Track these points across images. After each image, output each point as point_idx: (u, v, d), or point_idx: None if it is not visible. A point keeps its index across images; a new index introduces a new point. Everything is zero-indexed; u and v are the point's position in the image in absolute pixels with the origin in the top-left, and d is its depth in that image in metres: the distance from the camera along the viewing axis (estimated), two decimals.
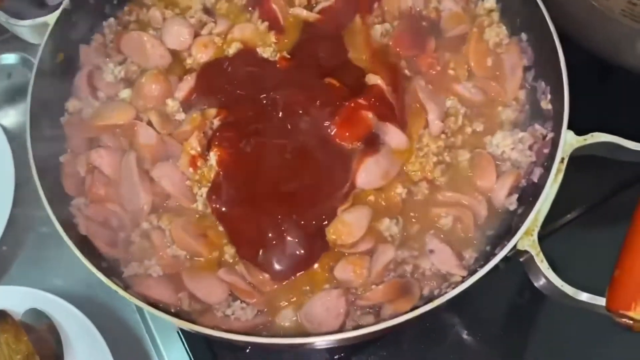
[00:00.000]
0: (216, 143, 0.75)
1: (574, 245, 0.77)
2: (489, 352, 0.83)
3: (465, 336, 0.84)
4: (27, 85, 0.99)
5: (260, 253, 0.70)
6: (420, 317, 0.63)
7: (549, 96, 0.75)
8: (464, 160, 0.76)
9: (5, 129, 0.98)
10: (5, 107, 1.05)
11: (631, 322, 0.57)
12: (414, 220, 0.73)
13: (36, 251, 0.94)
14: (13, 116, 1.04)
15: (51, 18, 0.79)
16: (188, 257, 0.72)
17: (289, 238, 0.69)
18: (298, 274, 0.70)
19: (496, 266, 0.68)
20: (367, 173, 0.72)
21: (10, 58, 1.06)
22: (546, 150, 0.71)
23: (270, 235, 0.70)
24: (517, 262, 0.68)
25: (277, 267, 0.69)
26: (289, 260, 0.69)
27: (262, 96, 0.78)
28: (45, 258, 0.93)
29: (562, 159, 0.67)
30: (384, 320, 0.64)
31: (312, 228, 0.70)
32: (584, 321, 0.75)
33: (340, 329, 0.67)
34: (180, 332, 0.82)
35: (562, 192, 0.68)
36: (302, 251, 0.69)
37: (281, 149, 0.74)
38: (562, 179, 0.67)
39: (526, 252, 0.64)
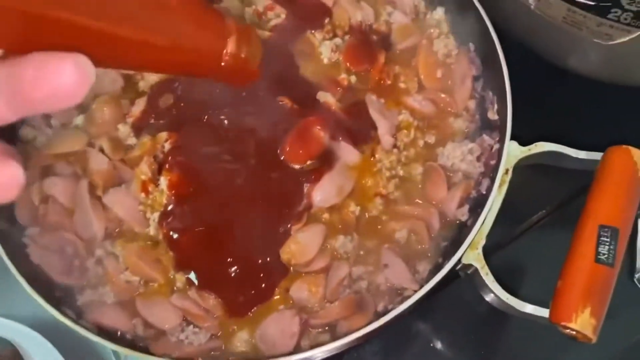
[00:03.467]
0: (166, 167, 0.75)
1: (524, 256, 0.77)
2: (458, 358, 0.84)
3: (433, 344, 0.84)
4: None
5: (219, 293, 0.70)
6: (379, 330, 0.63)
7: (495, 106, 0.76)
8: (417, 174, 0.76)
9: None
10: None
11: (574, 332, 0.58)
12: (369, 235, 0.73)
13: (1, 278, 0.94)
14: None
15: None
16: (142, 282, 0.72)
17: (245, 271, 0.70)
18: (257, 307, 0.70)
19: (456, 274, 0.69)
20: (323, 190, 0.72)
21: None
22: (493, 162, 0.72)
23: (224, 267, 0.70)
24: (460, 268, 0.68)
25: (234, 302, 0.69)
26: (246, 295, 0.69)
27: (213, 117, 0.79)
28: (11, 285, 0.93)
29: (507, 170, 0.67)
30: (339, 337, 0.64)
31: (269, 257, 0.70)
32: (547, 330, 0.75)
33: (296, 350, 0.67)
34: None
35: (512, 202, 0.68)
36: (261, 284, 0.69)
37: (233, 172, 0.74)
38: (510, 190, 0.68)
39: (472, 265, 0.64)
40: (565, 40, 0.74)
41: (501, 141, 0.71)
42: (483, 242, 0.64)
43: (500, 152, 0.70)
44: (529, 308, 0.61)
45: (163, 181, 0.74)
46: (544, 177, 0.75)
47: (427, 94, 0.81)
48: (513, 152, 0.68)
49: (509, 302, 0.61)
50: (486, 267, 0.63)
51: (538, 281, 0.67)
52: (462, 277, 0.66)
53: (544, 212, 0.80)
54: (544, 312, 0.60)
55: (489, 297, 0.64)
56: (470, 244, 0.64)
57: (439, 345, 0.84)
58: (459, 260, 0.64)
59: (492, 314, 0.82)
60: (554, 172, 0.73)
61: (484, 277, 0.63)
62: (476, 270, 0.64)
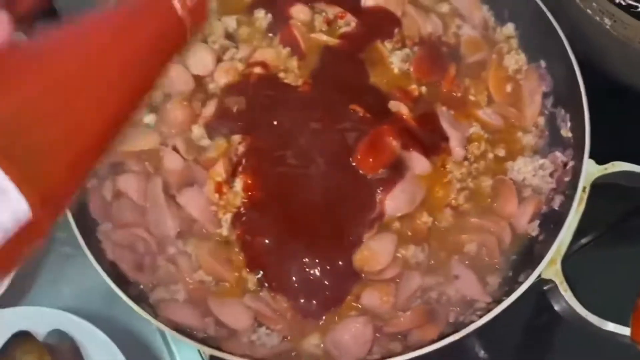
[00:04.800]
0: (241, 170, 0.76)
1: (594, 268, 0.77)
2: None
3: (483, 356, 0.85)
4: None
5: (290, 296, 0.71)
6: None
7: (568, 124, 0.76)
8: (487, 186, 0.77)
9: None
10: None
11: None
12: (439, 246, 0.74)
13: (57, 271, 0.94)
14: None
15: None
16: (214, 282, 0.73)
17: (319, 277, 0.71)
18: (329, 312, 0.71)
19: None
20: (395, 200, 0.73)
21: None
22: (567, 179, 0.73)
23: (295, 270, 0.71)
24: (535, 284, 0.69)
25: (308, 307, 0.70)
26: (320, 300, 0.70)
27: (285, 122, 0.80)
28: (66, 278, 0.93)
29: (584, 188, 0.68)
30: (412, 348, 0.65)
31: (341, 261, 0.71)
32: (602, 344, 0.76)
33: (367, 356, 0.68)
34: (201, 354, 0.83)
35: (583, 214, 0.69)
36: (332, 291, 0.70)
37: (306, 177, 0.75)
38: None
39: (550, 280, 0.65)
40: (639, 60, 0.75)
41: (576, 159, 0.72)
42: (561, 258, 0.65)
43: (575, 170, 0.71)
44: (610, 326, 0.61)
45: (238, 183, 0.75)
46: (614, 190, 0.75)
47: (497, 108, 0.82)
48: (590, 170, 0.69)
49: (588, 318, 0.62)
50: (565, 283, 0.64)
51: (610, 294, 0.67)
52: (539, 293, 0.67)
53: (612, 225, 0.81)
54: (625, 330, 0.61)
55: (565, 313, 0.65)
56: (549, 260, 0.65)
57: (486, 356, 0.84)
58: (538, 276, 0.65)
59: (550, 327, 0.83)
60: (621, 188, 0.73)
61: (563, 293, 0.64)
62: (554, 285, 0.64)
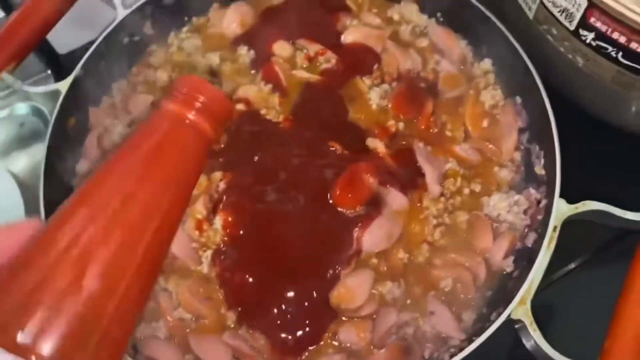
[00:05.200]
0: (222, 207, 0.77)
1: (565, 305, 0.78)
2: None
3: None
4: (38, 134, 1.05)
5: (268, 333, 0.72)
6: None
7: (542, 161, 0.78)
8: (463, 221, 0.78)
9: (15, 176, 1.01)
10: (17, 154, 1.08)
11: None
12: (415, 282, 0.75)
13: None
14: (24, 163, 1.06)
15: (63, 85, 0.82)
16: (194, 319, 0.74)
17: (296, 315, 0.72)
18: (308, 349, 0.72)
19: None
20: (372, 236, 0.74)
21: (22, 108, 1.06)
22: (540, 217, 0.74)
23: (274, 308, 0.72)
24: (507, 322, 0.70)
25: (286, 345, 0.71)
26: (298, 338, 0.71)
27: (266, 158, 0.81)
28: None
29: (555, 228, 0.69)
30: None
31: (318, 299, 0.72)
32: None
33: None
34: None
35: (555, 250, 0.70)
36: (310, 328, 0.71)
37: (285, 214, 0.77)
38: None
39: (520, 320, 0.66)
40: (614, 99, 0.76)
41: (549, 197, 0.73)
42: (531, 297, 0.66)
43: (548, 208, 0.72)
44: None
45: (218, 221, 0.77)
46: (583, 227, 0.76)
47: (474, 143, 0.83)
48: (561, 210, 0.70)
49: (557, 359, 0.63)
50: (534, 324, 0.65)
51: (580, 336, 0.68)
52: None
53: (581, 260, 0.82)
54: None
55: (536, 352, 0.65)
56: (519, 300, 0.66)
57: None
58: (508, 316, 0.66)
59: None
60: (593, 224, 0.74)
61: (532, 333, 0.64)
62: (524, 324, 0.65)
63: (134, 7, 0.87)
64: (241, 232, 0.76)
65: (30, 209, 0.91)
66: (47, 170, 0.77)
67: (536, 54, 0.81)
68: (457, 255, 0.76)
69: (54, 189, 0.78)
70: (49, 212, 0.75)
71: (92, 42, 0.97)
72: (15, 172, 1.04)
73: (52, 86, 0.82)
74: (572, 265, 0.81)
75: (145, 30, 0.90)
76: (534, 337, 0.64)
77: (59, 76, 1.02)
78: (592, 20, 0.71)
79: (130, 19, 0.87)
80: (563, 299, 0.77)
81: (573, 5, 0.72)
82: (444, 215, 0.78)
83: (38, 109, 1.06)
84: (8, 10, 1.00)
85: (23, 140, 1.08)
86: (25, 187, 0.98)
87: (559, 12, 0.75)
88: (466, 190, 0.80)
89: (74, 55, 1.00)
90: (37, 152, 1.05)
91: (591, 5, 0.70)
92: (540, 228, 0.72)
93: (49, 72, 1.05)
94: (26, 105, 1.08)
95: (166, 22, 0.92)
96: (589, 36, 0.73)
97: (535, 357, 0.73)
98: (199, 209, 0.77)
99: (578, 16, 0.72)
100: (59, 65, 1.03)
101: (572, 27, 0.74)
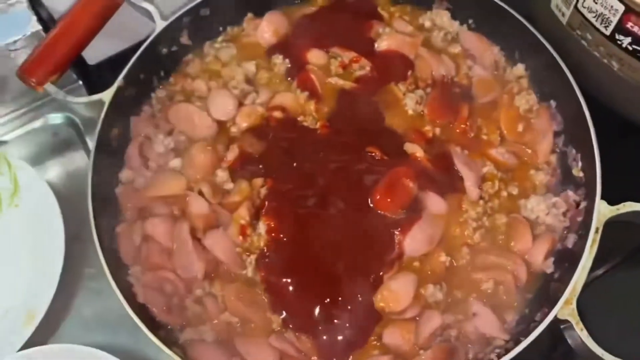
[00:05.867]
0: (264, 213, 0.79)
1: (608, 303, 0.79)
2: None
3: None
4: (71, 143, 1.07)
5: (314, 337, 0.73)
6: None
7: (580, 164, 0.79)
8: (502, 224, 0.79)
9: (50, 184, 1.03)
10: (50, 163, 1.09)
11: None
12: (457, 285, 0.76)
13: (85, 309, 0.97)
14: (58, 171, 1.07)
15: (106, 95, 0.84)
16: (240, 323, 0.76)
17: (341, 318, 0.73)
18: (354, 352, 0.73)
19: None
20: (414, 240, 0.76)
21: (56, 118, 1.09)
22: (580, 218, 0.75)
23: (319, 311, 0.73)
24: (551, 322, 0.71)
25: (332, 349, 0.73)
26: (344, 341, 0.72)
27: (305, 164, 0.83)
28: (94, 315, 0.96)
29: (597, 229, 0.70)
30: None
31: (363, 302, 0.74)
32: None
33: None
34: None
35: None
36: (356, 331, 0.73)
37: (327, 219, 0.78)
38: None
39: (566, 320, 0.67)
40: None
41: (588, 199, 0.74)
42: (576, 297, 0.67)
43: (588, 210, 0.73)
44: None
45: (262, 226, 0.78)
46: (624, 228, 0.77)
47: (510, 147, 0.84)
48: (602, 211, 0.71)
49: (605, 357, 0.64)
50: (581, 324, 0.66)
51: (625, 333, 0.69)
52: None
53: (620, 259, 0.83)
54: None
55: (581, 352, 0.66)
56: (565, 300, 0.67)
57: None
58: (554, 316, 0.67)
59: None
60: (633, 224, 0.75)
61: (579, 332, 0.65)
62: (570, 325, 0.66)
63: (172, 18, 0.89)
64: (284, 236, 0.78)
65: (67, 215, 0.93)
66: (93, 178, 0.79)
67: (569, 59, 0.82)
68: (497, 257, 0.77)
69: (98, 197, 0.80)
70: (97, 217, 0.77)
71: (121, 53, 1.01)
72: (50, 180, 1.05)
73: (96, 96, 0.84)
74: (612, 265, 0.81)
75: (182, 41, 0.92)
76: (581, 336, 0.65)
77: (90, 86, 1.04)
78: (628, 24, 0.72)
79: (169, 30, 0.89)
80: (604, 298, 0.78)
81: (609, 10, 0.73)
82: (483, 218, 0.79)
83: (71, 119, 1.09)
84: (44, 24, 1.02)
85: (57, 150, 1.09)
86: (59, 194, 0.99)
87: (594, 17, 0.76)
88: (504, 193, 0.81)
89: (103, 66, 1.03)
90: (71, 161, 1.08)
91: (628, 10, 0.71)
92: (581, 230, 0.73)
93: (80, 82, 1.06)
94: (60, 116, 1.10)
95: (202, 33, 0.94)
96: (625, 40, 0.74)
97: (574, 358, 0.75)
98: (243, 214, 0.79)
99: (614, 21, 0.73)
100: (88, 75, 1.05)
101: (607, 32, 0.75)
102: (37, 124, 1.08)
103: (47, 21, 1.03)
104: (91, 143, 1.01)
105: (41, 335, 0.88)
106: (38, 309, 0.87)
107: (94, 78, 1.04)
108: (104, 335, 0.93)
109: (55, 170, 1.08)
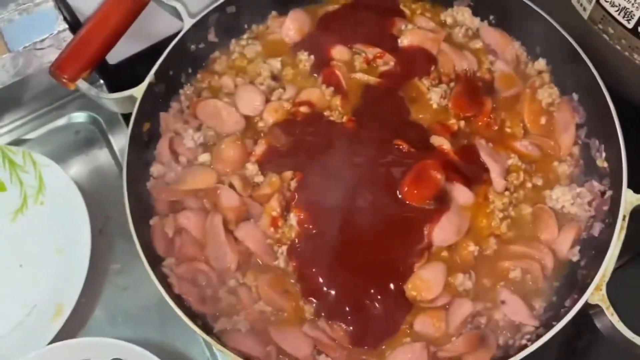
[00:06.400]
0: (294, 205, 0.81)
1: (636, 288, 0.81)
2: None
3: None
4: (93, 141, 1.08)
5: (346, 325, 0.75)
6: None
7: (603, 154, 0.81)
8: (527, 214, 0.81)
9: (73, 181, 1.04)
10: (73, 161, 1.10)
11: None
12: (485, 274, 0.78)
13: (112, 303, 0.98)
14: (80, 169, 1.08)
15: (137, 91, 0.85)
16: (273, 312, 0.77)
17: (373, 307, 0.75)
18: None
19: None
20: (442, 230, 0.78)
21: (80, 117, 1.10)
22: (605, 207, 0.77)
23: (351, 299, 0.75)
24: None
25: (365, 337, 0.74)
26: (376, 329, 0.74)
27: (333, 158, 0.84)
28: (120, 309, 0.98)
29: (624, 217, 0.72)
30: None
31: (394, 291, 0.75)
32: None
33: None
34: None
35: None
36: (388, 319, 0.74)
37: (356, 210, 0.80)
38: None
39: (597, 305, 0.69)
40: None
41: (614, 188, 0.76)
42: (605, 283, 0.69)
43: (613, 199, 0.75)
44: None
45: (293, 217, 0.80)
46: None
47: (533, 139, 0.86)
48: (629, 199, 0.73)
49: (636, 341, 0.66)
50: (612, 308, 0.68)
51: None
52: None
53: None
54: None
55: (611, 336, 0.68)
56: (595, 286, 0.69)
57: None
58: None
59: (591, 349, 0.86)
60: None
61: (610, 317, 0.67)
62: (601, 309, 0.68)
63: (200, 16, 0.90)
64: (315, 227, 0.80)
65: (91, 212, 0.95)
66: (128, 172, 0.80)
67: (589, 53, 0.84)
68: (524, 247, 0.79)
69: (131, 191, 0.81)
70: (133, 208, 0.78)
71: (139, 54, 1.02)
72: (73, 177, 1.06)
73: (128, 92, 0.85)
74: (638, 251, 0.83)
75: (209, 38, 0.94)
76: (612, 321, 0.67)
77: (111, 85, 1.06)
78: None
79: (197, 27, 0.91)
80: (632, 283, 0.80)
81: (633, 4, 0.75)
82: (509, 208, 0.81)
83: (94, 117, 1.11)
84: (69, 23, 1.04)
85: (79, 147, 1.10)
86: (83, 191, 1.00)
87: (616, 11, 0.78)
88: (529, 184, 0.83)
89: (122, 66, 1.04)
90: (94, 159, 1.09)
91: None
92: (608, 218, 0.75)
93: (101, 81, 1.08)
94: (83, 114, 1.11)
95: (228, 30, 0.95)
96: None
97: (595, 345, 0.76)
98: (274, 206, 0.80)
99: (638, 15, 0.75)
100: (109, 74, 1.06)
101: (630, 26, 0.77)
102: (61, 122, 1.10)
103: (71, 21, 1.05)
104: (114, 141, 1.06)
105: (70, 329, 0.90)
106: (67, 303, 0.89)
107: (114, 77, 1.06)
108: (132, 329, 0.95)
109: (78, 167, 1.08)
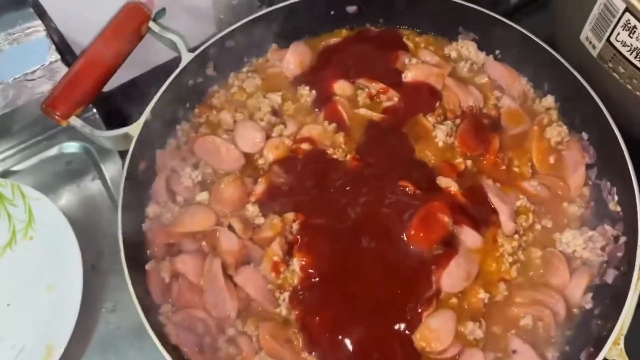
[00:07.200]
0: (297, 249, 0.78)
1: None
2: None
3: None
4: (84, 172, 1.05)
5: None
6: None
7: (615, 197, 0.79)
8: (537, 257, 0.78)
9: (63, 213, 1.00)
10: (63, 192, 1.06)
11: None
12: (495, 321, 0.75)
13: (105, 342, 0.93)
14: (71, 200, 1.04)
15: (134, 129, 0.82)
16: None
17: (378, 357, 0.72)
18: None
19: None
20: (451, 275, 0.75)
21: (71, 147, 1.07)
22: (620, 254, 0.75)
23: (359, 355, 0.72)
24: None
25: None
26: None
27: (336, 198, 0.82)
28: (114, 349, 0.94)
29: None
30: None
31: (402, 342, 0.72)
32: None
33: None
34: None
35: None
36: None
37: (361, 254, 0.77)
38: None
39: None
40: None
41: (628, 234, 0.74)
42: (623, 337, 0.67)
43: (628, 245, 0.73)
44: None
45: (296, 262, 0.77)
46: None
47: (542, 179, 0.84)
48: None
49: None
50: None
51: None
52: None
53: None
54: None
55: None
56: (613, 341, 0.66)
57: None
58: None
59: None
60: None
61: None
62: None
63: (199, 50, 0.88)
64: (318, 273, 0.76)
65: (82, 246, 0.91)
66: (123, 215, 0.77)
67: (599, 91, 0.82)
68: (535, 292, 0.76)
69: (126, 235, 0.78)
70: (128, 252, 0.75)
71: (132, 81, 1.00)
72: (63, 209, 1.03)
73: (123, 130, 0.82)
74: None
75: (207, 72, 0.91)
76: None
77: (103, 113, 1.02)
78: None
79: (195, 62, 0.88)
80: None
81: None
82: (519, 252, 0.79)
83: (86, 147, 1.07)
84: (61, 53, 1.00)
85: (71, 178, 1.07)
86: (73, 224, 0.96)
87: (628, 51, 0.76)
88: (538, 227, 0.81)
89: (115, 94, 1.01)
90: (85, 190, 1.05)
91: None
92: (622, 265, 0.73)
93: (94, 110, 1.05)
94: (75, 145, 1.08)
95: (227, 64, 0.93)
96: None
97: None
98: (276, 250, 0.77)
99: None
100: (100, 102, 1.03)
101: None
102: (51, 152, 1.07)
103: (63, 50, 1.02)
104: (107, 171, 1.02)
105: None
106: (57, 344, 0.85)
107: (105, 105, 1.03)
108: None
109: (69, 199, 1.05)
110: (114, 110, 1.01)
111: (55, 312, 0.88)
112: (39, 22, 0.99)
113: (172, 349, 0.73)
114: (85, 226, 0.96)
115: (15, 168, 1.06)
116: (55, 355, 0.84)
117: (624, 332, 0.67)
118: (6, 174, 1.04)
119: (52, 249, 0.93)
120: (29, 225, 0.97)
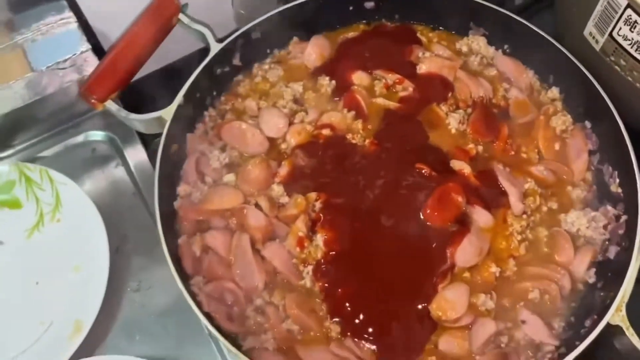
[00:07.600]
0: (320, 225, 0.83)
1: None
2: None
3: None
4: (108, 159, 1.09)
5: (373, 345, 0.77)
6: None
7: (617, 180, 0.84)
8: (544, 236, 0.84)
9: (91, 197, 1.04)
10: (88, 178, 1.10)
11: None
12: (505, 294, 0.80)
13: (129, 319, 0.98)
14: (96, 186, 1.07)
15: (167, 113, 0.87)
16: (300, 331, 0.79)
17: (399, 329, 0.77)
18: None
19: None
20: (464, 251, 0.80)
21: (97, 135, 1.12)
22: (621, 231, 0.80)
23: (376, 319, 0.77)
24: None
25: (392, 356, 0.76)
26: (402, 349, 0.76)
27: (356, 179, 0.87)
28: (138, 326, 0.98)
29: None
30: None
31: (419, 311, 0.78)
32: None
33: None
34: None
35: None
36: (413, 339, 0.77)
37: (381, 231, 0.82)
38: None
39: (616, 326, 0.72)
40: None
41: (629, 213, 0.80)
42: (625, 304, 0.72)
43: (629, 223, 0.79)
44: None
45: (319, 238, 0.82)
46: None
47: (548, 164, 0.89)
48: None
49: None
50: (631, 328, 0.70)
51: None
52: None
53: None
54: None
55: (631, 355, 0.71)
56: (615, 307, 0.72)
57: None
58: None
59: None
60: None
61: (630, 337, 0.70)
62: (620, 329, 0.71)
63: (227, 41, 0.93)
64: (340, 248, 0.82)
65: (109, 228, 0.96)
66: (159, 193, 0.82)
67: (602, 82, 0.88)
68: (542, 268, 0.82)
69: (161, 211, 0.82)
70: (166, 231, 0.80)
71: (151, 74, 1.04)
72: (89, 195, 1.07)
73: (156, 114, 0.87)
74: None
75: (234, 62, 0.97)
76: (633, 341, 0.69)
77: (127, 103, 1.07)
78: None
79: (223, 52, 0.93)
80: None
81: None
82: (527, 231, 0.84)
83: (110, 135, 1.12)
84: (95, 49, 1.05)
85: (95, 165, 1.11)
86: (99, 209, 1.00)
87: (629, 45, 0.82)
88: (544, 208, 0.86)
89: (136, 85, 1.06)
90: (110, 176, 1.10)
91: None
92: (624, 241, 0.79)
93: None
94: (100, 133, 1.13)
95: (251, 54, 0.98)
96: None
97: None
98: (300, 226, 0.82)
99: None
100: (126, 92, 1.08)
101: None
102: (77, 139, 1.11)
103: (92, 42, 1.07)
104: (130, 158, 1.07)
105: (87, 347, 0.90)
106: (85, 320, 0.89)
107: (129, 95, 1.07)
108: (149, 346, 0.95)
109: (93, 184, 1.09)
110: (136, 99, 1.05)
111: (82, 291, 0.93)
112: (70, 14, 1.05)
113: (206, 316, 0.78)
114: (109, 210, 1.00)
115: (42, 154, 1.10)
116: (83, 330, 0.89)
117: (626, 300, 0.72)
118: (34, 159, 1.08)
119: (78, 232, 0.97)
120: (56, 209, 1.01)
